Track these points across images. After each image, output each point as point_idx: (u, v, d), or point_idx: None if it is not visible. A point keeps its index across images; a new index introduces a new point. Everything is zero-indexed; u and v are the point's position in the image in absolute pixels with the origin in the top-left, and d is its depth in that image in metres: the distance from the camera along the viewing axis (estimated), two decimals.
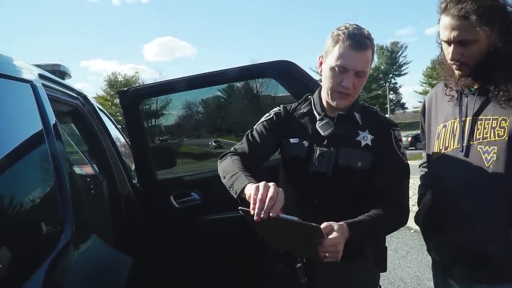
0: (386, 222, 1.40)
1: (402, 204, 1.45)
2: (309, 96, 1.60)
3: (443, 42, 1.37)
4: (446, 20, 1.30)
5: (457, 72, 1.37)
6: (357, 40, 1.36)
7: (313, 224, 1.11)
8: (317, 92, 1.57)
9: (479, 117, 1.33)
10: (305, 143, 1.47)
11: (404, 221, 1.46)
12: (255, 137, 1.55)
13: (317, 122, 1.50)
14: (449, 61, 1.37)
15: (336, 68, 1.38)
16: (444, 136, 1.42)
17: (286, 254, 1.45)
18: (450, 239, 1.38)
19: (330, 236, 1.18)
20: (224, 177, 1.41)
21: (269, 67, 2.23)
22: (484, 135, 1.30)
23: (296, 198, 1.43)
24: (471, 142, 1.33)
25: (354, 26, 1.40)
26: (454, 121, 1.40)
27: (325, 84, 1.45)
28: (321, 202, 1.41)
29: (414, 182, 1.93)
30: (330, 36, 1.42)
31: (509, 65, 1.28)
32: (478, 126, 1.32)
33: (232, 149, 1.56)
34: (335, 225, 1.21)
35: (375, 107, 1.63)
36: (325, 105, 1.52)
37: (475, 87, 1.36)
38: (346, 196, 1.44)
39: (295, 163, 1.48)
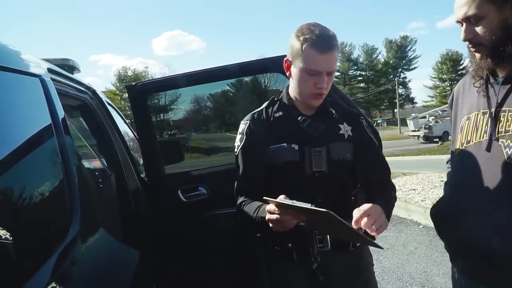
0: (392, 202, 1.51)
1: (391, 182, 1.58)
2: (275, 99, 1.58)
3: (459, 27, 1.27)
4: (457, 0, 1.24)
5: (477, 55, 1.28)
6: (326, 42, 1.36)
7: (323, 209, 1.08)
8: (284, 93, 1.56)
9: (502, 109, 1.23)
10: (295, 146, 1.46)
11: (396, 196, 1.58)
12: (247, 162, 1.52)
13: (301, 123, 1.49)
14: (465, 43, 1.27)
15: (308, 72, 1.39)
16: (467, 130, 1.34)
17: (300, 258, 1.46)
18: (457, 234, 1.33)
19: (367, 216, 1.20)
20: (249, 220, 1.43)
21: (276, 61, 2.22)
22: (507, 128, 1.20)
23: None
24: (493, 136, 1.24)
25: (319, 28, 1.38)
26: (477, 113, 1.31)
27: (299, 87, 1.46)
28: (323, 201, 1.36)
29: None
30: (296, 40, 1.39)
31: None
32: (501, 119, 1.22)
33: (235, 185, 1.55)
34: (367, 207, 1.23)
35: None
36: (298, 105, 1.52)
37: (500, 75, 1.26)
38: (342, 189, 1.50)
39: (290, 167, 1.46)
